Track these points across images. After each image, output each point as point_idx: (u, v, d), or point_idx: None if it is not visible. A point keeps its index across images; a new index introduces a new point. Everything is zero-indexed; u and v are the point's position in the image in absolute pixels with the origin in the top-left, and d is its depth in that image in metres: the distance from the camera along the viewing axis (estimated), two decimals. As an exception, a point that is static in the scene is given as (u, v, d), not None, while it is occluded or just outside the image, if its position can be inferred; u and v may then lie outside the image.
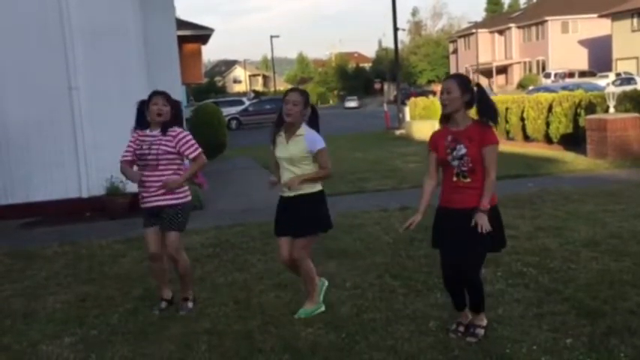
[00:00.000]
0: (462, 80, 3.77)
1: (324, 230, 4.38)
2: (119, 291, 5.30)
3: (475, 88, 3.75)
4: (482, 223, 3.59)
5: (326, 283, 4.61)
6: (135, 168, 4.58)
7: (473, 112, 3.79)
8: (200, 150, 4.57)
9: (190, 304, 4.68)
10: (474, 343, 3.75)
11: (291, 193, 4.23)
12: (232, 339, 4.09)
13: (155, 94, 4.54)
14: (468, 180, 3.69)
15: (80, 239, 7.45)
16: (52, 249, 7.03)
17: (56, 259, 6.58)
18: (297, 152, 4.20)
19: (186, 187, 4.62)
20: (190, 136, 4.58)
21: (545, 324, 3.98)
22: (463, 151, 3.65)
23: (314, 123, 4.32)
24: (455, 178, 3.72)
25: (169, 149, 4.47)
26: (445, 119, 3.83)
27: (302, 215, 4.23)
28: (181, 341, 4.10)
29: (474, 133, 3.69)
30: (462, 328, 3.91)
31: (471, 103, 3.73)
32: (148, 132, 4.54)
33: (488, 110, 3.73)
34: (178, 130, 4.54)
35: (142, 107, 4.56)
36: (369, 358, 3.70)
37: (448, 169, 3.76)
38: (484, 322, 3.90)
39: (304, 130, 4.23)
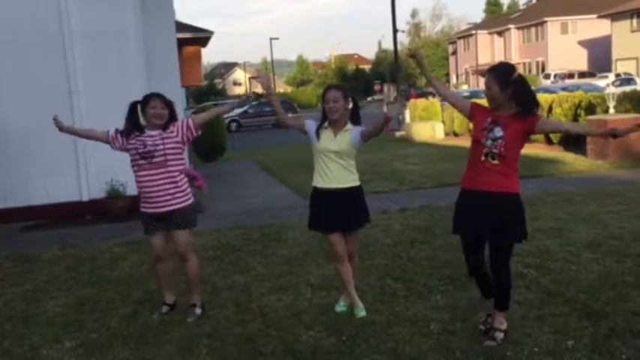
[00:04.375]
0: (501, 73, 3.71)
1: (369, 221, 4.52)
2: (119, 294, 5.29)
3: (515, 76, 3.67)
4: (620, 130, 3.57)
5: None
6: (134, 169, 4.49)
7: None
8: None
9: (198, 311, 4.61)
10: (492, 347, 3.71)
11: (341, 186, 4.31)
12: (233, 342, 4.08)
13: (152, 96, 4.43)
14: (496, 162, 3.68)
15: (80, 242, 7.44)
16: (52, 252, 7.02)
17: (56, 263, 6.56)
18: (347, 146, 4.29)
19: (189, 189, 4.57)
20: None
21: (546, 326, 3.97)
22: (500, 134, 3.65)
23: (355, 114, 4.38)
24: (483, 158, 3.70)
25: (177, 140, 4.41)
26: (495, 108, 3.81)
27: (355, 208, 4.36)
28: (182, 345, 4.09)
29: (516, 120, 3.66)
30: (490, 320, 3.90)
31: (515, 96, 3.68)
32: (146, 133, 4.43)
33: (526, 101, 3.68)
34: (177, 122, 4.49)
35: (135, 109, 4.45)
36: (371, 360, 3.69)
37: (478, 147, 3.74)
38: (504, 326, 3.84)
39: (350, 125, 4.33)
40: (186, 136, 4.46)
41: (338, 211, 4.30)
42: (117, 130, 4.52)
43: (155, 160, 4.36)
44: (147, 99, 4.44)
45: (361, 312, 4.39)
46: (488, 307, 4.25)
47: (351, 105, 4.33)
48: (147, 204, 4.47)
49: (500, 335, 3.79)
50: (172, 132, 4.43)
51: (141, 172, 4.41)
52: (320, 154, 4.33)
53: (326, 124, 4.33)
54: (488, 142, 3.67)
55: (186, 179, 4.56)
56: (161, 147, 4.36)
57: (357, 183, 4.38)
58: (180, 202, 4.45)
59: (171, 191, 4.41)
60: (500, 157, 3.67)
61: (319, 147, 4.33)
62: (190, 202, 4.53)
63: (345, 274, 4.45)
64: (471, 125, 3.92)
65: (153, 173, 4.38)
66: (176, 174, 4.44)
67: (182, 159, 4.52)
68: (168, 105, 4.46)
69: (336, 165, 4.30)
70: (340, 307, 4.53)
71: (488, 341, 3.77)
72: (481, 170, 3.72)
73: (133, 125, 4.46)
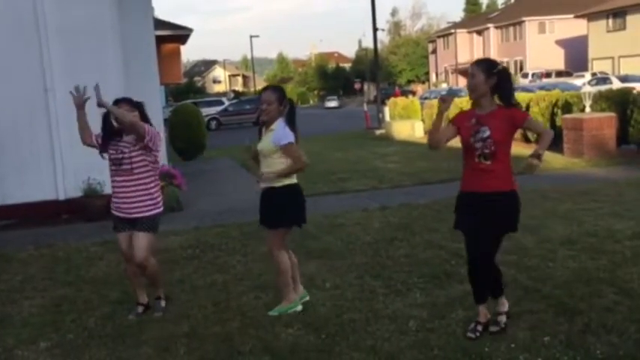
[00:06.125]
0: (487, 65, 3.77)
1: (289, 226, 4.43)
2: (96, 294, 5.23)
3: (499, 69, 3.73)
4: (533, 163, 3.63)
5: (306, 298, 4.63)
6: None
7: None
8: (149, 127, 4.38)
9: (163, 303, 4.66)
10: (497, 332, 3.78)
11: (264, 185, 4.37)
12: (211, 341, 4.06)
13: (118, 102, 4.45)
14: (489, 162, 3.72)
15: (57, 242, 7.34)
16: (28, 252, 6.92)
17: (32, 263, 6.47)
18: (266, 146, 4.32)
19: (160, 198, 4.55)
20: (152, 129, 4.46)
21: (523, 322, 4.01)
22: (487, 133, 3.68)
23: (290, 118, 4.38)
24: (477, 160, 3.75)
25: (142, 151, 4.40)
26: (475, 103, 3.84)
27: (270, 208, 4.36)
28: (159, 344, 4.06)
29: (500, 116, 3.70)
30: (480, 328, 3.90)
31: (497, 87, 3.74)
32: (124, 138, 4.45)
33: (506, 95, 3.75)
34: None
35: (107, 117, 4.46)
36: (349, 358, 3.70)
37: (470, 151, 3.78)
38: (505, 307, 3.94)
39: (277, 125, 4.32)
40: (147, 146, 4.38)
41: (261, 209, 4.43)
42: (97, 135, 4.56)
43: (123, 167, 4.39)
44: (113, 104, 4.43)
45: (271, 311, 4.46)
46: (467, 305, 4.29)
47: (287, 108, 4.35)
48: (114, 207, 4.50)
49: (503, 319, 3.88)
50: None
51: (113, 177, 4.47)
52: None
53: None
54: (479, 145, 3.70)
55: (158, 189, 4.54)
56: (127, 155, 4.36)
57: (277, 184, 4.32)
58: (147, 210, 4.43)
59: (139, 198, 4.41)
60: (492, 157, 3.71)
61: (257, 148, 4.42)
62: (157, 211, 4.50)
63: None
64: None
65: (123, 180, 4.41)
66: (146, 182, 4.42)
67: (153, 168, 4.48)
68: (137, 106, 4.47)
69: (262, 163, 4.38)
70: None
71: (493, 327, 3.84)
72: (476, 172, 3.77)
73: (107, 132, 4.48)
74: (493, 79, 3.72)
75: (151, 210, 4.45)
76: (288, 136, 4.26)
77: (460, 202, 3.91)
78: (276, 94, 4.31)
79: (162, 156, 4.48)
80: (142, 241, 4.42)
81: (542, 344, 3.69)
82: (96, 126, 4.56)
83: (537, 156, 3.66)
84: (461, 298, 4.49)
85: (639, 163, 10.86)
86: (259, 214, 4.48)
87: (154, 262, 4.57)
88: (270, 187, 4.35)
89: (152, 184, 4.48)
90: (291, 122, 4.33)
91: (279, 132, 4.27)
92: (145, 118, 4.49)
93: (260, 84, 74.32)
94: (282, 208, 4.33)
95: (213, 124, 34.24)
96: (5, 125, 8.88)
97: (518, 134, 14.16)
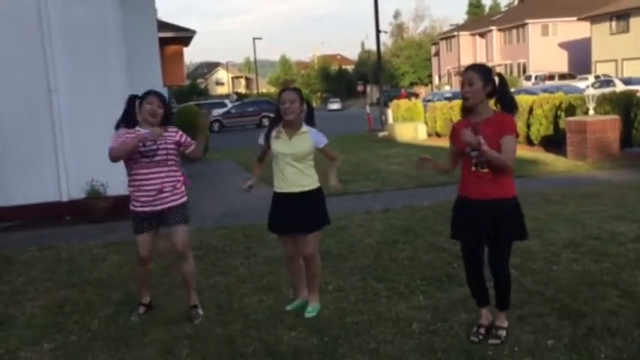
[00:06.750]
0: (484, 70, 3.71)
1: (326, 223, 4.51)
2: (99, 296, 5.23)
3: (497, 79, 3.70)
4: (469, 138, 3.53)
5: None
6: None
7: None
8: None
9: (201, 311, 4.57)
10: (497, 345, 3.72)
11: (297, 189, 4.32)
12: (214, 343, 4.06)
13: (151, 93, 4.35)
14: (486, 170, 3.65)
15: (60, 243, 7.34)
16: (31, 253, 6.92)
17: (35, 264, 6.48)
18: (304, 149, 4.32)
19: (184, 187, 4.54)
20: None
21: (526, 325, 4.00)
22: (482, 142, 3.59)
23: (310, 118, 4.44)
24: (473, 168, 3.69)
25: (176, 141, 4.37)
26: (466, 110, 3.78)
27: (312, 210, 4.36)
28: (162, 346, 4.05)
29: (495, 123, 3.64)
30: (482, 331, 3.87)
31: (493, 93, 3.70)
32: (140, 130, 4.31)
33: (507, 101, 3.71)
34: (178, 129, 4.47)
35: (133, 102, 4.37)
36: (352, 361, 3.69)
37: (467, 159, 3.74)
38: (506, 324, 3.88)
39: (307, 127, 4.37)
40: (183, 145, 4.43)
41: (294, 214, 4.33)
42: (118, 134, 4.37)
43: (157, 158, 4.29)
44: (145, 94, 4.37)
45: (310, 313, 4.43)
46: (469, 308, 4.28)
47: (305, 108, 4.38)
48: (140, 202, 4.35)
49: (503, 333, 3.83)
50: (173, 133, 4.38)
51: (141, 169, 4.29)
52: (275, 157, 4.37)
53: (280, 127, 4.36)
54: (474, 153, 3.64)
55: (182, 178, 4.51)
56: (163, 145, 4.29)
57: (314, 185, 4.37)
58: (177, 199, 4.41)
59: (168, 189, 4.35)
60: (489, 164, 3.64)
61: (273, 151, 4.36)
62: (186, 198, 4.50)
63: (297, 273, 4.60)
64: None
65: (154, 171, 4.30)
66: (178, 172, 4.42)
67: (178, 159, 4.48)
68: (165, 106, 4.38)
69: (291, 168, 4.32)
70: (290, 306, 4.60)
71: (493, 340, 3.79)
72: (474, 179, 3.71)
73: (128, 120, 4.35)
74: (490, 85, 3.67)
75: (181, 198, 4.42)
76: (325, 137, 4.43)
77: (458, 209, 3.85)
78: (297, 93, 4.35)
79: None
80: (183, 234, 4.42)
81: (545, 347, 3.67)
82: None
83: (483, 149, 3.50)
84: (463, 301, 4.48)
85: (643, 165, 10.84)
86: (292, 221, 4.34)
87: (193, 259, 4.56)
88: (305, 191, 4.32)
89: (179, 172, 4.45)
90: (312, 122, 4.43)
91: (316, 133, 4.38)
92: (168, 118, 4.41)
93: (263, 86, 74.44)
94: (323, 208, 4.42)
95: (216, 126, 34.26)
96: (8, 126, 8.90)
97: (521, 137, 14.20)
